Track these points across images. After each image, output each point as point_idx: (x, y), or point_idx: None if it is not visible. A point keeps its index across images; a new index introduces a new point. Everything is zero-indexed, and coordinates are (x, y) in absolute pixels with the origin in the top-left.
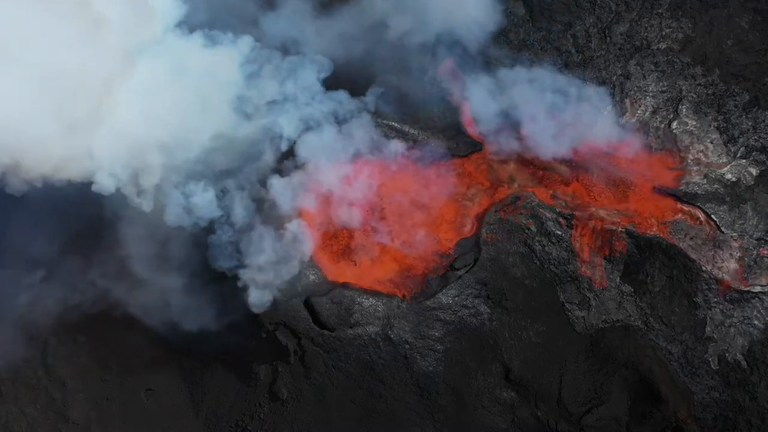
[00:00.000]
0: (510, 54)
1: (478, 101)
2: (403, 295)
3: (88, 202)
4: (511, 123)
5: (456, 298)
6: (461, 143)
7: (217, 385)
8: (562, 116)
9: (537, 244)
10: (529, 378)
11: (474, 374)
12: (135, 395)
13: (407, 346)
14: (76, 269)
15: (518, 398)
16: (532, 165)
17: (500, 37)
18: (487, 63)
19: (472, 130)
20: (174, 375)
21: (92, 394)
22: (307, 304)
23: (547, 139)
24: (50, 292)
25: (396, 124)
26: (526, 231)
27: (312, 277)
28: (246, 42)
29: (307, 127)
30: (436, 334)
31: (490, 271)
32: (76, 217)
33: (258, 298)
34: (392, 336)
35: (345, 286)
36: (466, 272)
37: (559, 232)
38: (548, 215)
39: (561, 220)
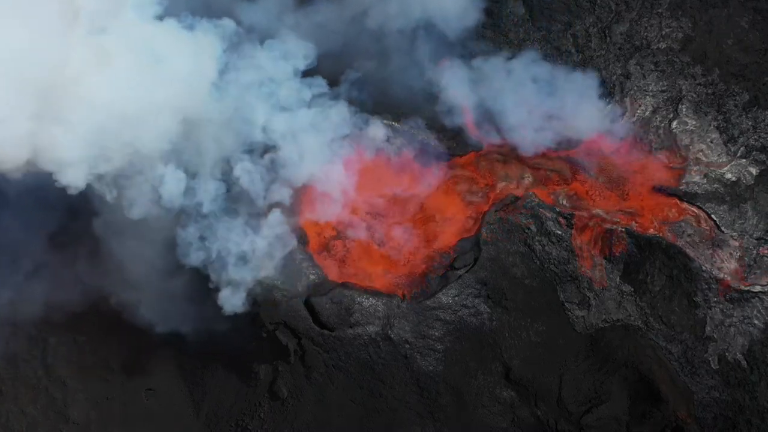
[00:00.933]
0: (492, 45)
1: (459, 92)
2: (403, 295)
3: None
4: (492, 115)
5: (456, 298)
6: (460, 142)
7: (217, 385)
8: (546, 107)
9: (537, 243)
10: (529, 377)
11: (474, 374)
12: (135, 395)
13: (407, 345)
14: (65, 266)
15: (518, 398)
16: (532, 164)
17: (481, 28)
18: (469, 55)
19: (470, 129)
20: (174, 375)
21: (92, 393)
22: (307, 304)
23: (531, 132)
24: (38, 289)
25: (395, 123)
26: (526, 231)
27: (312, 277)
28: (223, 25)
29: (281, 110)
30: (436, 333)
31: (490, 271)
32: (63, 211)
33: (229, 298)
34: (392, 336)
35: (345, 285)
36: (466, 272)
37: (559, 232)
38: (548, 215)
39: (561, 219)
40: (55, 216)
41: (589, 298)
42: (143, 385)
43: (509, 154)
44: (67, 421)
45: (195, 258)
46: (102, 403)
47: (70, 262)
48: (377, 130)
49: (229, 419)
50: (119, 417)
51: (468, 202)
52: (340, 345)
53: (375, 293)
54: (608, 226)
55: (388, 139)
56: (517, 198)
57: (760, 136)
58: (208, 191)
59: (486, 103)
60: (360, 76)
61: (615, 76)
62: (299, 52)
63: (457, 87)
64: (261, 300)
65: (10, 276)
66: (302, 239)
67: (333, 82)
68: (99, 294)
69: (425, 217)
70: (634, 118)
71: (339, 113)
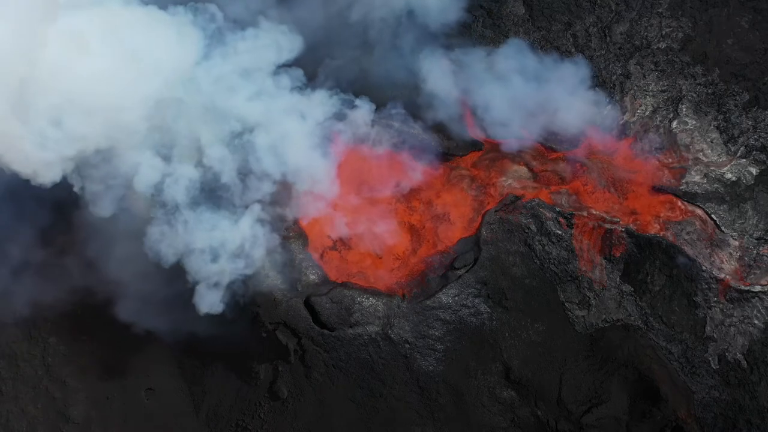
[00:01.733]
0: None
1: (443, 85)
2: (403, 295)
3: (60, 187)
4: (478, 109)
5: (456, 298)
6: (461, 142)
7: (217, 385)
8: (530, 99)
9: (537, 243)
10: (529, 377)
11: (474, 373)
12: (135, 395)
13: (407, 345)
14: (63, 264)
15: (518, 397)
16: (533, 164)
17: (481, 28)
18: (453, 46)
19: (470, 128)
20: (174, 375)
21: (92, 393)
22: (308, 304)
23: (516, 126)
24: (36, 287)
25: (395, 124)
26: (526, 230)
27: (312, 277)
28: (206, 9)
29: (260, 95)
30: (436, 333)
31: (490, 271)
32: (54, 205)
33: (204, 297)
34: (392, 335)
35: (345, 285)
36: (467, 272)
37: (559, 232)
38: (548, 215)
39: (561, 219)
40: (46, 210)
41: (589, 297)
42: (143, 385)
43: (509, 154)
44: (67, 421)
45: (166, 254)
46: (102, 403)
47: (67, 260)
48: (364, 112)
49: (229, 419)
50: (119, 417)
51: (469, 202)
52: (340, 345)
53: (375, 293)
54: (608, 226)
55: (373, 127)
56: (517, 198)
57: (760, 136)
58: (182, 180)
59: (473, 97)
60: (340, 65)
61: (615, 76)
62: (283, 42)
63: (442, 79)
64: (260, 300)
65: (6, 274)
66: (302, 238)
67: (311, 78)
68: (98, 294)
69: (434, 216)
70: (634, 118)
71: (320, 96)
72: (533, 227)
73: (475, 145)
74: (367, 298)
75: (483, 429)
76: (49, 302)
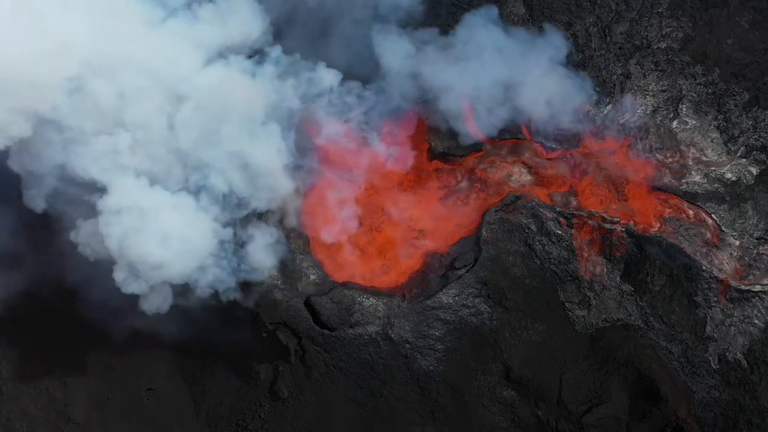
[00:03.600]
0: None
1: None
2: (403, 295)
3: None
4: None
5: (456, 298)
6: (461, 142)
7: (217, 385)
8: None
9: (537, 243)
10: (529, 377)
11: (474, 373)
12: (135, 395)
13: (408, 345)
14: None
15: (518, 397)
16: (533, 164)
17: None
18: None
19: (470, 127)
20: (174, 375)
21: (92, 393)
22: (308, 304)
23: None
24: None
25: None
26: (526, 231)
27: (312, 277)
28: None
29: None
30: (437, 333)
31: (490, 271)
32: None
33: (147, 297)
34: (393, 335)
35: (345, 285)
36: (467, 272)
37: (559, 232)
38: (548, 215)
39: (561, 219)
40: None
41: (589, 297)
42: (143, 385)
43: (509, 154)
44: (67, 421)
45: (98, 249)
46: (103, 402)
47: (67, 258)
48: (330, 78)
49: (229, 419)
50: (119, 417)
51: (469, 202)
52: (341, 345)
53: (375, 293)
54: (608, 226)
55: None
56: (517, 198)
57: (760, 136)
58: (122, 162)
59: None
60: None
61: (615, 76)
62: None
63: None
64: (260, 300)
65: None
66: (302, 238)
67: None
68: (99, 293)
69: (433, 216)
70: (635, 118)
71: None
72: (533, 227)
73: (475, 146)
74: (368, 298)
75: (483, 429)
76: (49, 302)
